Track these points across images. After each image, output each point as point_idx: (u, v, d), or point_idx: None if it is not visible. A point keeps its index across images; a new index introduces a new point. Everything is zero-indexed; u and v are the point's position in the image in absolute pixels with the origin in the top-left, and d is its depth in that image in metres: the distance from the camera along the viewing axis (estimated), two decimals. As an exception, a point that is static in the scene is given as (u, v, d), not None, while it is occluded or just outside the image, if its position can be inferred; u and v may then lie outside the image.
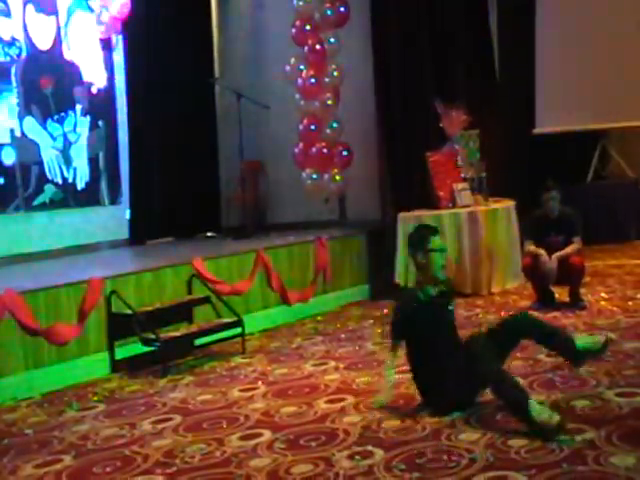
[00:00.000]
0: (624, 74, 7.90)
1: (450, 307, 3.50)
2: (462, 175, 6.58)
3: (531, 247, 5.23)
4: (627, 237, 7.97)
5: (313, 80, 7.13)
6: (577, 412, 3.14)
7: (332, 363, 4.40)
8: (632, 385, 3.41)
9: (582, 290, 5.31)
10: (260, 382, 4.16)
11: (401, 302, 3.56)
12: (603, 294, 5.49)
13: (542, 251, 5.13)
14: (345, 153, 7.17)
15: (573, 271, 5.10)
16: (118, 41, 7.45)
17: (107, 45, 7.44)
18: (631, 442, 2.76)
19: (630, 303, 5.14)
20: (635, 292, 5.45)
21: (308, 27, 7.17)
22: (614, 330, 4.43)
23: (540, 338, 3.43)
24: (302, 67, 7.21)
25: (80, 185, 7.10)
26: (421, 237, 3.44)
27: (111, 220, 7.33)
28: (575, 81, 8.05)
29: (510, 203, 6.52)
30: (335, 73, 7.17)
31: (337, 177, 7.14)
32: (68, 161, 7.00)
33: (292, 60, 7.28)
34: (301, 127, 7.24)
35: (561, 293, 5.36)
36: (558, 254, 5.08)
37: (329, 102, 7.16)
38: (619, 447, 2.73)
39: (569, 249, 5.11)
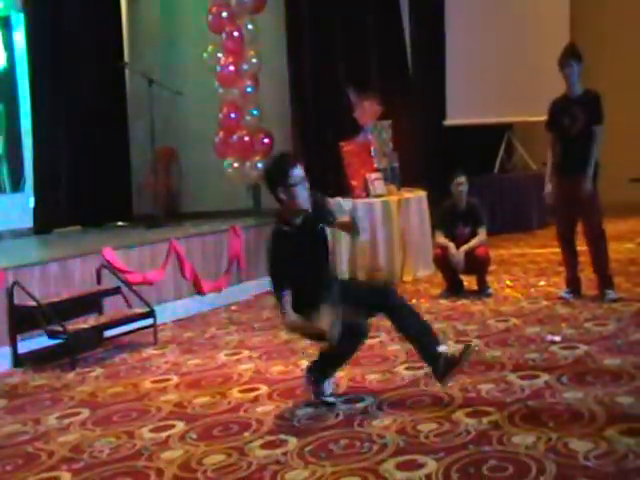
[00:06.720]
0: (527, 71, 8.25)
1: (320, 225, 3.30)
2: (375, 165, 6.68)
3: (441, 239, 5.44)
4: (530, 227, 8.38)
5: (232, 67, 7.03)
6: (483, 395, 3.27)
7: (246, 352, 4.38)
8: (534, 368, 3.58)
9: (488, 278, 5.53)
10: (172, 373, 4.09)
11: (271, 244, 3.24)
12: (507, 282, 5.74)
13: (451, 244, 5.34)
14: (266, 140, 7.12)
15: (479, 262, 5.35)
16: (19, 19, 7.08)
17: (6, 23, 7.05)
18: (531, 422, 2.90)
19: (532, 290, 5.40)
20: (537, 279, 5.72)
21: (225, 14, 7.05)
22: (518, 316, 4.64)
23: (409, 329, 3.30)
24: (220, 54, 7.09)
25: (-21, 171, 6.72)
26: (281, 173, 3.16)
27: (13, 208, 6.99)
28: (483, 76, 8.34)
29: (422, 193, 6.67)
30: (254, 60, 7.10)
31: (258, 164, 7.06)
32: (-35, 145, 6.61)
33: (210, 47, 7.15)
34: (221, 115, 7.13)
35: (469, 281, 5.56)
36: (465, 247, 5.31)
37: (248, 89, 7.09)
38: (521, 427, 2.86)
39: (474, 242, 5.35)
